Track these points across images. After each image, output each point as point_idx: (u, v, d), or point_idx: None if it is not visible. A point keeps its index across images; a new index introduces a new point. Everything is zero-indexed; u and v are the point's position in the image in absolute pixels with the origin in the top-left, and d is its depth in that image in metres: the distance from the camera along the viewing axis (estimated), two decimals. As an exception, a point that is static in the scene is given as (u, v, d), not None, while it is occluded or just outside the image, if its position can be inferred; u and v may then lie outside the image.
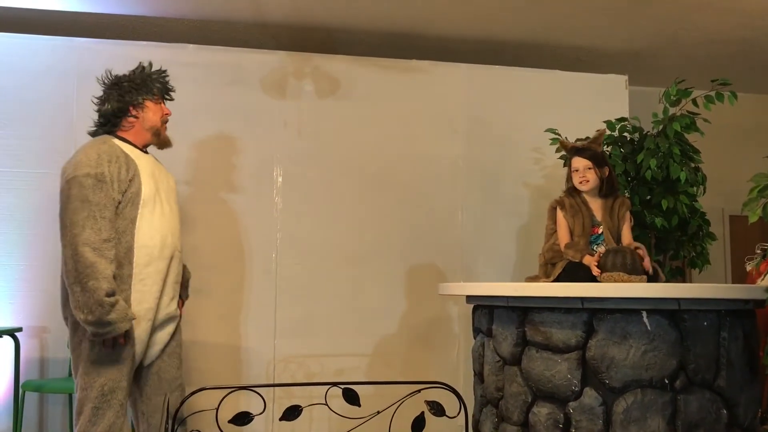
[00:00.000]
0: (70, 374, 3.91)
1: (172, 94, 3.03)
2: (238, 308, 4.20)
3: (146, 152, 2.89)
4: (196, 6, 4.26)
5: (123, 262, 2.62)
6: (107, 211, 2.59)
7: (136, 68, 2.94)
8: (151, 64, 2.98)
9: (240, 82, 4.33)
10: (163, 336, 2.80)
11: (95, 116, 2.90)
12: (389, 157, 4.50)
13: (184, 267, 3.03)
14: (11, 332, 3.65)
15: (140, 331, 2.68)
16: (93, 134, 2.88)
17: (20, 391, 3.68)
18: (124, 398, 2.64)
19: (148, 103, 2.87)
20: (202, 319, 4.04)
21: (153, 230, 2.71)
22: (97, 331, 2.51)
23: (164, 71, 2.98)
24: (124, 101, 2.82)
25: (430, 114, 4.59)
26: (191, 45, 4.36)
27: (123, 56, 4.16)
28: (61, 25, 4.41)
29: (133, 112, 2.84)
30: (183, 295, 3.04)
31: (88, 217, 2.55)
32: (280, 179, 4.33)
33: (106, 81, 2.88)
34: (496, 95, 4.70)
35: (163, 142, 2.97)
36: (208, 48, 4.38)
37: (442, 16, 4.44)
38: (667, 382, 2.64)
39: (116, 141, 2.78)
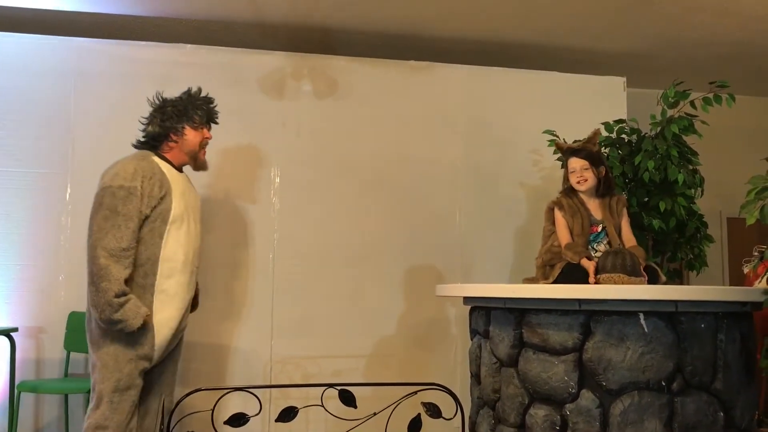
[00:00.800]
0: (66, 375, 3.91)
1: (216, 119, 3.15)
2: (235, 309, 4.19)
3: (181, 171, 3.03)
4: (195, 6, 4.26)
5: (148, 272, 2.80)
6: (132, 223, 2.74)
7: (184, 92, 3.06)
8: (199, 90, 3.09)
9: (238, 82, 4.32)
10: (172, 346, 2.96)
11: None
12: (387, 157, 4.49)
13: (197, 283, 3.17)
14: (7, 332, 3.64)
15: (161, 339, 2.82)
16: (137, 147, 3.02)
17: (16, 391, 3.66)
18: (137, 396, 2.77)
19: (188, 130, 3.00)
20: (199, 320, 4.03)
21: (178, 246, 2.87)
22: (109, 328, 2.71)
23: (211, 99, 3.10)
24: (164, 127, 2.97)
25: (429, 115, 4.59)
26: (189, 45, 4.35)
27: (121, 56, 4.18)
28: (60, 25, 4.40)
29: (173, 137, 2.98)
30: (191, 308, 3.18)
31: (113, 226, 2.70)
32: (277, 180, 4.33)
33: (154, 102, 3.02)
34: (495, 96, 4.70)
35: (199, 166, 3.12)
36: (207, 48, 4.37)
37: (441, 17, 4.44)
38: (664, 384, 2.63)
39: (156, 158, 2.93)
